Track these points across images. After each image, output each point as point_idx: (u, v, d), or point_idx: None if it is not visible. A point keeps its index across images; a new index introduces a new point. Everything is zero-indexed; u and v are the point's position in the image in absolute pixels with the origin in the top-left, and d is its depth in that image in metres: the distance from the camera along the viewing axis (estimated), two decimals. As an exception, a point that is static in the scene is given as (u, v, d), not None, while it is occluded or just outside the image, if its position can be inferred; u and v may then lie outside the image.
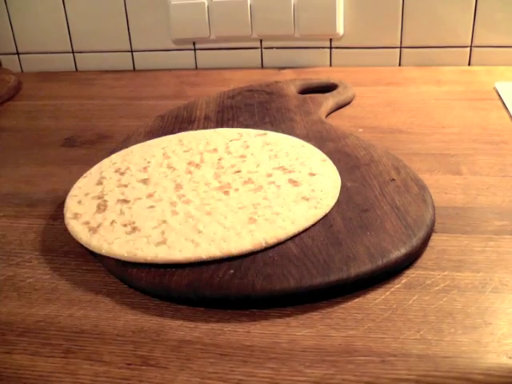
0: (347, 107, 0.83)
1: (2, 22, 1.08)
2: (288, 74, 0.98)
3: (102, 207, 0.56)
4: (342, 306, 0.45)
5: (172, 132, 0.74)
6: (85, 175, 0.63)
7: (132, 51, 1.07)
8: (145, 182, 0.60)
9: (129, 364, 0.41)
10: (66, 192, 0.64)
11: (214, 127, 0.74)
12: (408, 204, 0.54)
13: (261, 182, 0.58)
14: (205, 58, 1.05)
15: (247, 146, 0.67)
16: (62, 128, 0.82)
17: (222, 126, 0.74)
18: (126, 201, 0.57)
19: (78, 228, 0.54)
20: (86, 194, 0.59)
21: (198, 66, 1.06)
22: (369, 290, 0.47)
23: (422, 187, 0.57)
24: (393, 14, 0.96)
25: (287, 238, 0.50)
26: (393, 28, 0.97)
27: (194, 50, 1.05)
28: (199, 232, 0.51)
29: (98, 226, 0.53)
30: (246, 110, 0.79)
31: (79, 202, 0.58)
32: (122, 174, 0.62)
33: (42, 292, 0.49)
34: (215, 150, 0.66)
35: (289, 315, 0.45)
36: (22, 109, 0.93)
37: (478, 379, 0.38)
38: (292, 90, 0.86)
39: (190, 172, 0.62)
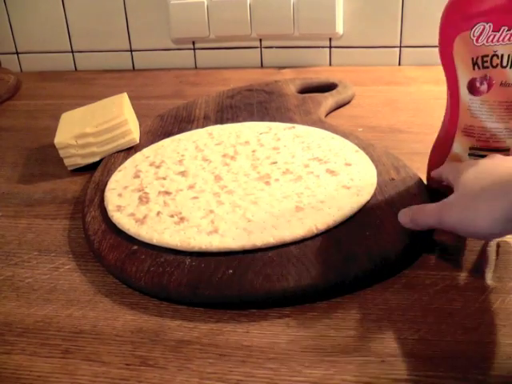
0: (347, 106, 0.83)
1: (1, 21, 1.08)
2: (287, 74, 0.98)
3: (144, 199, 0.57)
4: (341, 305, 0.45)
5: (171, 132, 0.74)
6: (119, 169, 0.64)
7: (132, 51, 1.07)
8: (183, 174, 0.61)
9: (128, 364, 0.41)
10: (65, 192, 0.65)
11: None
12: (407, 204, 0.54)
13: (299, 173, 0.59)
14: (204, 57, 1.05)
15: (278, 139, 0.67)
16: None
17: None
18: (167, 192, 0.58)
19: (123, 220, 0.54)
20: (125, 187, 0.60)
21: (198, 66, 1.06)
22: (368, 290, 0.47)
23: (421, 186, 0.57)
24: (392, 13, 0.96)
25: (336, 225, 0.51)
26: (392, 27, 0.97)
27: (194, 49, 1.05)
28: (249, 221, 0.52)
29: (144, 217, 0.54)
30: (246, 110, 0.79)
31: (120, 195, 0.58)
32: (158, 167, 0.63)
33: (40, 292, 0.49)
34: (247, 142, 0.67)
35: (288, 315, 0.45)
36: (21, 108, 0.93)
37: (478, 380, 0.38)
38: (291, 89, 0.86)
39: (226, 164, 0.62)
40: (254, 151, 0.65)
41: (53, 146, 0.68)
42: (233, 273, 0.47)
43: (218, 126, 0.73)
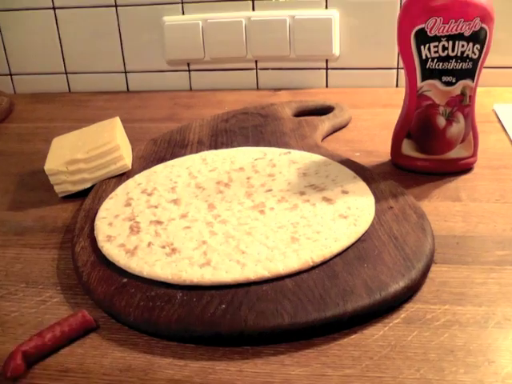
0: (344, 130, 0.82)
1: (-6, 42, 1.07)
2: (283, 96, 0.97)
3: (135, 229, 0.55)
4: (338, 342, 0.44)
5: (164, 157, 0.72)
6: (110, 196, 0.62)
7: (126, 72, 1.06)
8: (175, 202, 0.60)
9: (115, 407, 0.39)
10: (55, 219, 0.63)
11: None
12: (406, 233, 0.52)
13: (295, 201, 0.58)
14: (199, 79, 1.04)
15: (274, 165, 0.66)
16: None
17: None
18: (159, 222, 0.56)
19: (113, 251, 0.52)
20: (116, 216, 0.58)
21: (193, 88, 1.05)
22: (366, 326, 0.45)
23: (421, 215, 0.55)
24: (389, 35, 0.95)
25: (332, 257, 0.50)
26: (389, 48, 0.96)
27: (189, 71, 1.04)
28: (243, 252, 0.50)
29: (135, 248, 0.52)
30: (241, 134, 0.77)
31: (110, 224, 0.57)
32: (150, 194, 0.62)
33: (27, 327, 0.47)
34: (242, 168, 0.66)
35: (283, 353, 0.43)
36: (13, 131, 0.91)
37: (482, 424, 0.36)
38: (287, 112, 0.84)
39: (220, 191, 0.61)
40: (248, 178, 0.63)
41: (44, 171, 0.66)
42: (225, 308, 0.45)
43: (212, 152, 0.71)
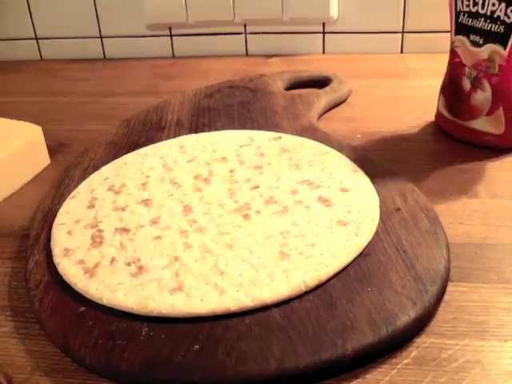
0: (343, 106, 0.73)
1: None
2: (275, 64, 0.87)
3: (97, 239, 0.47)
4: (336, 391, 0.36)
5: (138, 143, 0.63)
6: (72, 195, 0.54)
7: (102, 37, 0.96)
8: (146, 203, 0.51)
9: None
10: (12, 220, 0.55)
11: (186, 135, 0.64)
12: (417, 245, 0.44)
13: (285, 202, 0.49)
14: (182, 45, 0.94)
15: (261, 154, 0.57)
16: (17, 133, 0.71)
17: (195, 133, 0.64)
18: (125, 230, 0.48)
19: (70, 269, 0.44)
20: (77, 222, 0.49)
21: (175, 54, 0.95)
22: (369, 369, 0.37)
23: (434, 219, 0.47)
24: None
25: (328, 278, 0.42)
26: (394, 10, 0.86)
27: (171, 36, 0.94)
28: (221, 273, 0.42)
29: (96, 265, 0.44)
30: (225, 113, 0.68)
31: (69, 233, 0.48)
32: (117, 193, 0.53)
33: (-34, 366, 0.40)
34: (224, 158, 0.57)
35: (269, 405, 0.35)
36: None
37: None
38: (279, 85, 0.75)
39: (198, 189, 0.52)
40: (232, 171, 0.55)
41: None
42: (199, 349, 0.37)
43: (192, 137, 0.62)
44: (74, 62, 0.96)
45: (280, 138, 0.60)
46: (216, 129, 0.64)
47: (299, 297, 0.40)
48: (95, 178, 0.56)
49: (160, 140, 0.63)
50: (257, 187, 0.52)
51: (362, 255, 0.44)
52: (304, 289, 0.41)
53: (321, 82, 0.76)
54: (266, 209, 0.49)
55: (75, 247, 0.46)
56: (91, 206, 0.51)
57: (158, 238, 0.46)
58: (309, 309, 0.39)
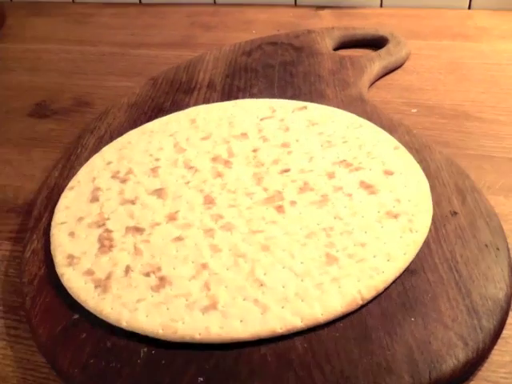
0: (399, 72, 0.63)
1: None
2: (326, 17, 0.78)
3: (106, 242, 0.40)
4: None
5: (162, 106, 0.56)
6: (71, 185, 0.46)
7: (138, -21, 0.88)
8: (159, 194, 0.44)
9: None
10: (17, 193, 0.49)
11: (217, 100, 0.57)
12: (474, 263, 0.37)
13: (323, 189, 0.42)
14: (225, -10, 0.85)
15: (287, 128, 0.50)
16: (36, 87, 0.66)
17: (228, 99, 0.56)
18: (138, 229, 0.41)
19: (78, 283, 0.37)
20: (79, 220, 0.42)
21: (217, 1, 0.86)
22: (406, 422, 0.31)
23: (496, 229, 0.39)
24: None
25: (385, 288, 0.35)
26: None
27: (213, -21, 0.85)
28: (261, 285, 0.36)
29: (108, 276, 0.37)
30: (264, 76, 0.60)
31: (71, 235, 0.41)
32: (124, 181, 0.46)
33: None
34: (244, 135, 0.50)
35: None
36: (-2, 55, 0.76)
37: None
38: (327, 44, 0.66)
39: (219, 174, 0.45)
40: (255, 150, 0.47)
41: (19, 114, 0.53)
42: (203, 382, 0.31)
43: (203, 108, 0.54)
44: (107, 6, 0.88)
45: (305, 107, 0.52)
46: (252, 95, 0.57)
47: (329, 323, 0.34)
48: (96, 162, 0.48)
49: (187, 105, 0.56)
50: (287, 170, 0.45)
51: (407, 272, 0.37)
52: (361, 302, 0.34)
53: (375, 43, 0.67)
54: (302, 198, 0.42)
55: (80, 253, 0.39)
56: (94, 198, 0.44)
57: (179, 239, 0.39)
58: (338, 340, 0.33)
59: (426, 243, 0.38)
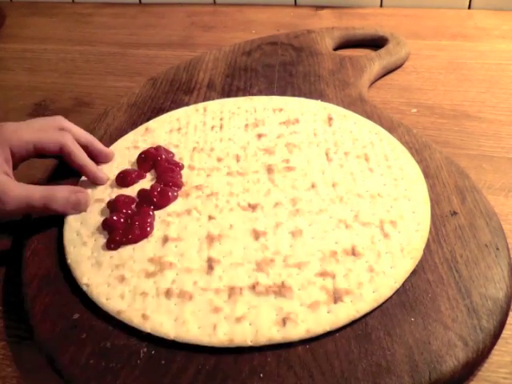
0: (398, 72, 0.63)
1: None
2: (326, 17, 0.78)
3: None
4: None
5: (162, 106, 0.56)
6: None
7: (138, -21, 0.88)
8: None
9: None
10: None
11: (217, 99, 0.57)
12: (474, 263, 0.37)
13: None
14: (225, -10, 0.85)
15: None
16: (36, 86, 0.66)
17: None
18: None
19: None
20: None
21: (217, 1, 0.86)
22: (406, 422, 0.31)
23: (496, 229, 0.39)
24: None
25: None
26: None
27: (213, -21, 0.85)
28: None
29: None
30: (264, 76, 0.60)
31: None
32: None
33: None
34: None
35: None
36: (-2, 55, 0.76)
37: None
38: (327, 44, 0.66)
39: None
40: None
41: (18, 114, 0.55)
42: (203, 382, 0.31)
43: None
44: (106, 5, 0.88)
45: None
46: (252, 94, 0.57)
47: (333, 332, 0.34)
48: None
49: (187, 105, 0.56)
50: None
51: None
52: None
53: (375, 43, 0.67)
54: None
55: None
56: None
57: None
58: (338, 340, 0.33)
59: (426, 245, 0.38)
